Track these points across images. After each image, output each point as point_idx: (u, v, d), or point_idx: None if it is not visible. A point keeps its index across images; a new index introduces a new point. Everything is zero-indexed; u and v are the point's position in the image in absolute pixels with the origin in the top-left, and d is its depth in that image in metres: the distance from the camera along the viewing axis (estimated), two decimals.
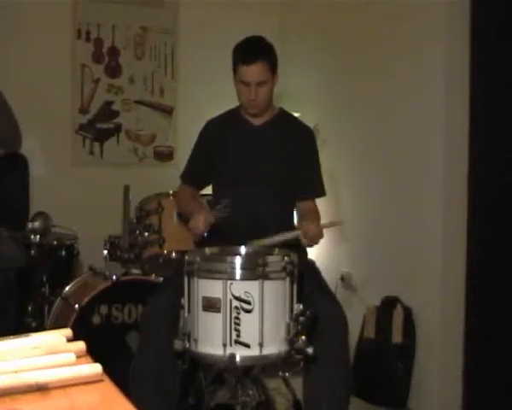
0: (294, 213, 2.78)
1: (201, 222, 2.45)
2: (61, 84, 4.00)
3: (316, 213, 2.66)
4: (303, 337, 2.03)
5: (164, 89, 4.23)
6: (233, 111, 2.73)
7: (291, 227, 2.55)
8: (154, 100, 4.22)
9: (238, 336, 1.98)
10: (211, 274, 2.03)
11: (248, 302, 1.98)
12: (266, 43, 2.60)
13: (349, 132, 3.78)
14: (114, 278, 2.94)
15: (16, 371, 1.09)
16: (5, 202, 3.43)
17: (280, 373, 2.29)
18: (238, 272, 2.00)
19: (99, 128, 4.11)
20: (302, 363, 2.10)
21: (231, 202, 2.50)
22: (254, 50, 2.54)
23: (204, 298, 2.02)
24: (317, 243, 2.45)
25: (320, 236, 2.42)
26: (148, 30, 4.19)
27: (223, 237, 2.47)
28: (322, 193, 2.73)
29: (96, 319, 2.89)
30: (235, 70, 2.56)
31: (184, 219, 2.81)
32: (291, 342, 2.03)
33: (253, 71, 2.50)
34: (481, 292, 3.05)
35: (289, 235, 2.41)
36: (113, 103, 4.14)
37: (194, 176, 2.79)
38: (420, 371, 3.18)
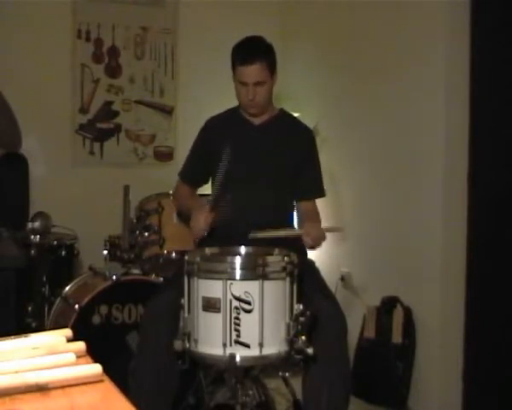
0: (294, 213, 2.78)
1: (202, 221, 2.45)
2: (61, 84, 4.01)
3: (316, 215, 2.66)
4: (303, 337, 2.02)
5: (164, 89, 4.23)
6: (233, 110, 2.73)
7: (291, 227, 2.55)
8: (154, 100, 4.22)
9: (238, 336, 1.98)
10: (211, 274, 2.02)
11: (248, 302, 1.98)
12: (265, 44, 2.59)
13: (349, 132, 3.78)
14: (114, 278, 2.94)
15: (16, 371, 1.09)
16: (5, 202, 3.44)
17: (280, 373, 2.29)
18: (238, 272, 1.99)
19: (99, 128, 4.11)
20: (302, 363, 2.10)
21: (232, 199, 2.52)
22: (252, 51, 2.54)
23: (204, 298, 2.02)
24: (319, 244, 2.45)
25: (323, 237, 2.43)
26: (148, 30, 4.19)
27: (222, 236, 2.47)
28: (321, 194, 2.73)
29: (96, 319, 2.89)
30: (233, 70, 2.57)
31: (184, 217, 2.81)
32: (291, 342, 2.03)
33: (251, 71, 2.50)
34: (481, 292, 3.05)
35: (292, 232, 2.41)
36: (113, 103, 4.14)
37: (192, 174, 2.79)
38: (420, 371, 3.18)
